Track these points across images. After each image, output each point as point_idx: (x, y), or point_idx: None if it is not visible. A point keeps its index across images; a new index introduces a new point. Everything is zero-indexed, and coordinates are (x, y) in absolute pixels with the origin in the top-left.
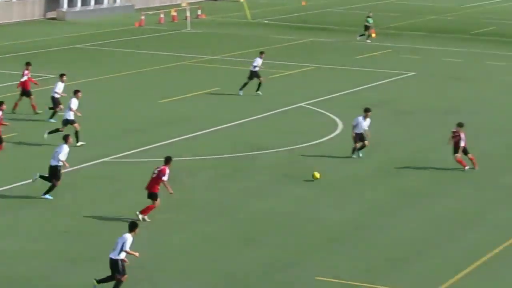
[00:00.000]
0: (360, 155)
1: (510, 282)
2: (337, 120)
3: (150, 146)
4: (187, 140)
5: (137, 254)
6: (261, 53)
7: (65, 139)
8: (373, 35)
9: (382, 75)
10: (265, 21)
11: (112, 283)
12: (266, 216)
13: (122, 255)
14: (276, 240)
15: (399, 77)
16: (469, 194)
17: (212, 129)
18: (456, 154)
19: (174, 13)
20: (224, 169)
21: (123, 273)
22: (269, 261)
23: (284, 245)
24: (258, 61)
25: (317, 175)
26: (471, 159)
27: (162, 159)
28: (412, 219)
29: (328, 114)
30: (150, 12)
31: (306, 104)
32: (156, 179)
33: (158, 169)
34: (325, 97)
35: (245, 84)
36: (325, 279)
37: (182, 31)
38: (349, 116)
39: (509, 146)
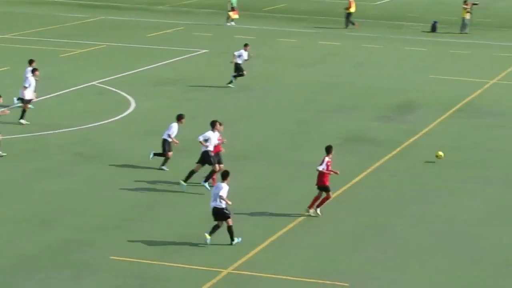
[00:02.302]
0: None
1: (304, 256)
2: (130, 98)
3: None
4: None
5: (230, 202)
6: (246, 45)
7: (178, 118)
8: (236, 16)
9: (174, 52)
10: None
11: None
12: (60, 196)
13: (224, 203)
14: (70, 221)
15: (191, 54)
16: (264, 170)
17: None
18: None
19: None
20: (16, 150)
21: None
22: (64, 241)
23: (79, 225)
24: (243, 54)
25: (441, 153)
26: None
27: None
28: (206, 197)
29: (121, 92)
30: None
31: (99, 83)
32: (321, 172)
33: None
34: (118, 76)
35: (235, 77)
36: (120, 258)
37: None
38: (142, 94)
39: (299, 122)
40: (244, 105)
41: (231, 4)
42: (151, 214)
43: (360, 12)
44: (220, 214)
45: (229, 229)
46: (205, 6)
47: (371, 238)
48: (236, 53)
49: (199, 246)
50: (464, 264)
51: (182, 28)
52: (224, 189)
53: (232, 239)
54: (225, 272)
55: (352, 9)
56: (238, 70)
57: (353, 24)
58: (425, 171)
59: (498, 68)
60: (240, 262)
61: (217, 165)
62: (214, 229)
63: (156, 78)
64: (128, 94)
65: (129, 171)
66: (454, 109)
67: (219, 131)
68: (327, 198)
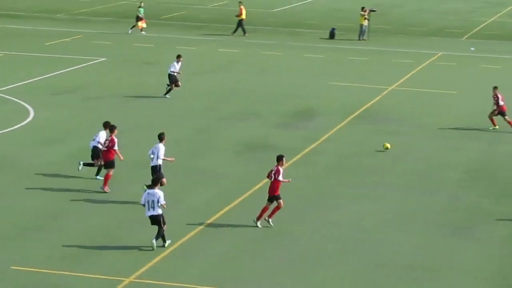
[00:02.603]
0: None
1: (206, 264)
2: (29, 107)
3: None
4: None
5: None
6: (178, 56)
7: (104, 126)
8: (144, 25)
9: (73, 61)
10: None
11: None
12: None
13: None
14: None
15: (90, 63)
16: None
17: None
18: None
19: None
20: None
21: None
22: None
23: None
24: (175, 66)
25: (388, 145)
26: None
27: None
28: (107, 206)
29: (20, 101)
30: None
31: None
32: (275, 182)
33: (273, 171)
34: (16, 85)
35: (169, 90)
36: (21, 268)
37: None
38: (41, 103)
39: (200, 130)
40: (145, 113)
41: (139, 12)
42: (52, 223)
43: (259, 19)
44: (158, 221)
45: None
46: (102, 14)
47: (273, 245)
48: (171, 68)
49: (101, 255)
50: (367, 270)
51: (80, 36)
52: (161, 196)
53: (165, 240)
54: (127, 280)
55: (243, 16)
56: (172, 81)
57: (233, 32)
58: (326, 178)
59: (396, 74)
60: (142, 270)
61: (111, 171)
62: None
63: (55, 87)
64: (27, 103)
65: (29, 180)
66: (353, 115)
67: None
68: (278, 208)
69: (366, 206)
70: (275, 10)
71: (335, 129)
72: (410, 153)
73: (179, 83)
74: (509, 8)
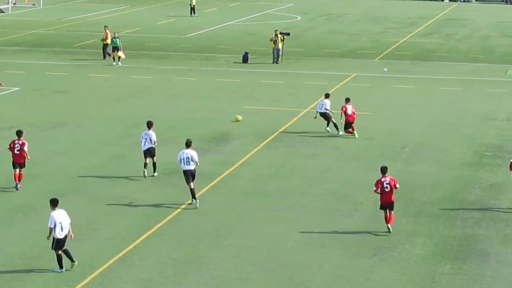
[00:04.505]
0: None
1: None
2: None
3: None
4: None
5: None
6: (327, 95)
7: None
8: (123, 55)
9: None
10: None
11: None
12: None
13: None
14: None
15: (3, 93)
16: (82, 206)
17: None
18: None
19: None
20: None
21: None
22: None
23: None
24: (325, 102)
25: (239, 117)
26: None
27: None
28: (27, 234)
29: None
30: None
31: None
32: (391, 192)
33: (387, 182)
34: None
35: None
36: None
37: None
38: None
39: (115, 157)
40: (59, 141)
41: (114, 43)
42: None
43: (171, 45)
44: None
45: (65, 253)
46: (13, 44)
47: (195, 271)
48: (318, 104)
49: (18, 284)
50: None
51: None
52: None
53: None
54: None
55: (108, 41)
56: (327, 119)
57: (109, 55)
58: (244, 202)
59: (311, 96)
60: None
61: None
62: (60, 259)
63: None
64: None
65: None
66: (269, 138)
67: None
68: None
69: (285, 229)
70: (188, 35)
71: (251, 152)
72: (327, 175)
73: (333, 119)
74: (420, 28)
